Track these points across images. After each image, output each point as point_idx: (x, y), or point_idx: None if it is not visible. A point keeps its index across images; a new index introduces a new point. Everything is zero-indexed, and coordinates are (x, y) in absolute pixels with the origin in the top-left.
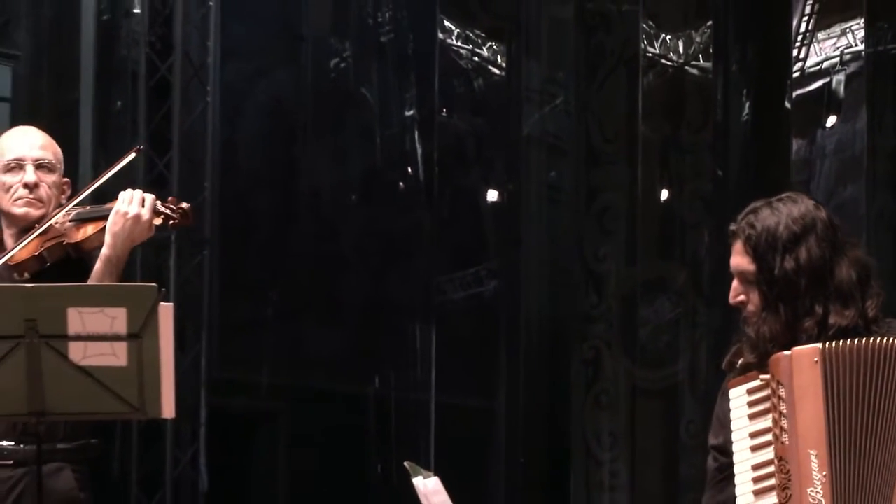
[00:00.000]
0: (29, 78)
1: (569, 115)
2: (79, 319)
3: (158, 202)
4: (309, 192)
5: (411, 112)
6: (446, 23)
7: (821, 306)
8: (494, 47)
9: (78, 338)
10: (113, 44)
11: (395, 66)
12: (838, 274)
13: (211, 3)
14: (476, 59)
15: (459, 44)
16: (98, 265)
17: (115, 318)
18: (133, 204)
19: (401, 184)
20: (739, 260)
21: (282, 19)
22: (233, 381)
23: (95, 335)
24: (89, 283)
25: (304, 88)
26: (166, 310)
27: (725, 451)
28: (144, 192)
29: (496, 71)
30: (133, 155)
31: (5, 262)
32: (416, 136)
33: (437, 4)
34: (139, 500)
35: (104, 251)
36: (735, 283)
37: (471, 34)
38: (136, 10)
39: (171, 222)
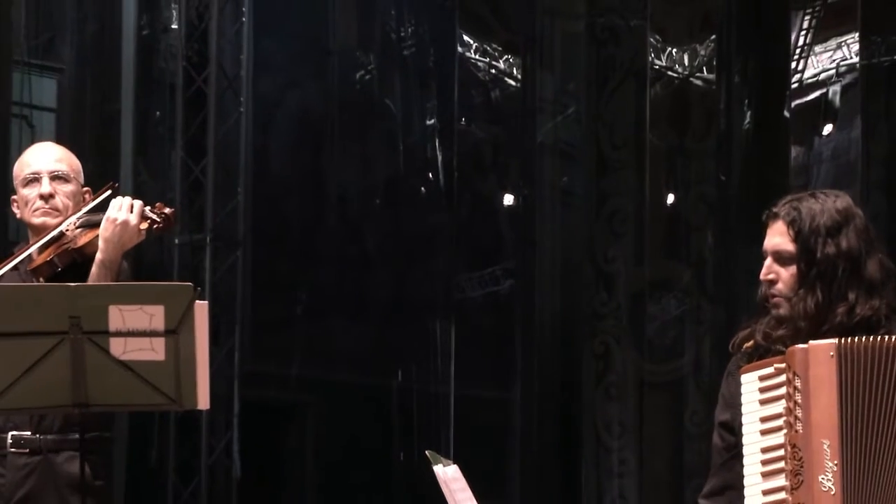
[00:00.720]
0: (73, 90)
1: (580, 124)
2: (119, 316)
3: (147, 208)
4: (336, 196)
5: (432, 121)
6: (465, 37)
7: (853, 293)
8: (510, 60)
9: (118, 334)
10: (152, 57)
11: (416, 78)
12: (870, 267)
13: (244, 19)
14: (493, 71)
15: (477, 57)
16: (94, 269)
17: (154, 315)
18: (122, 210)
19: (422, 189)
20: (779, 240)
21: (310, 34)
22: (264, 374)
23: (135, 331)
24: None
25: (331, 99)
26: (201, 307)
27: (732, 428)
28: (134, 198)
29: (512, 82)
30: (109, 192)
31: (27, 268)
32: (437, 144)
33: (456, 20)
34: (176, 487)
35: (98, 255)
36: (769, 261)
37: (488, 48)
38: (174, 26)
39: (156, 226)
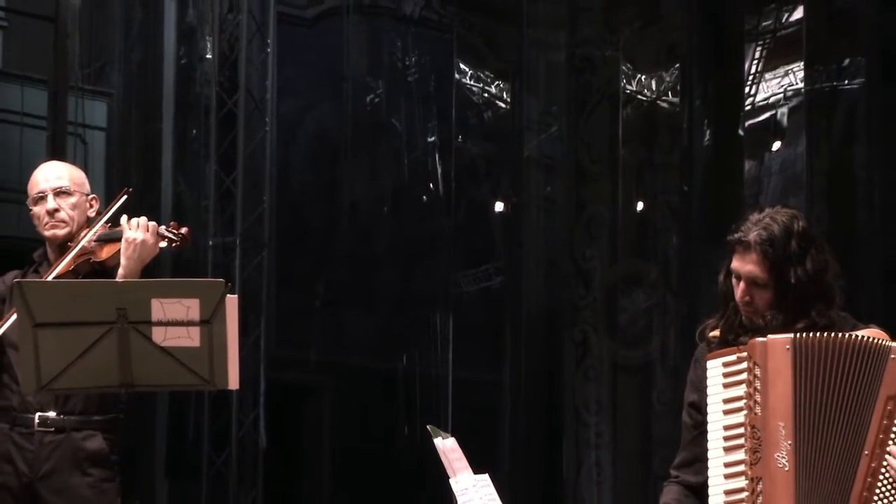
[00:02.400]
0: (121, 111)
1: (561, 141)
2: (160, 308)
3: (162, 227)
4: (349, 204)
5: (433, 138)
6: (461, 65)
7: (815, 309)
8: (501, 85)
9: (160, 323)
10: (189, 83)
11: (419, 100)
12: (828, 279)
13: (269, 50)
14: (485, 95)
15: (472, 83)
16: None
17: (190, 307)
18: (139, 231)
19: (424, 197)
20: (753, 268)
21: (327, 63)
22: (286, 359)
23: (174, 321)
24: None
25: (344, 119)
26: (232, 300)
27: (700, 408)
28: (150, 218)
29: (502, 105)
30: (125, 197)
31: (52, 275)
32: (437, 158)
33: (453, 50)
34: (210, 456)
35: (120, 271)
36: (744, 286)
37: (481, 74)
38: (209, 56)
39: (173, 245)
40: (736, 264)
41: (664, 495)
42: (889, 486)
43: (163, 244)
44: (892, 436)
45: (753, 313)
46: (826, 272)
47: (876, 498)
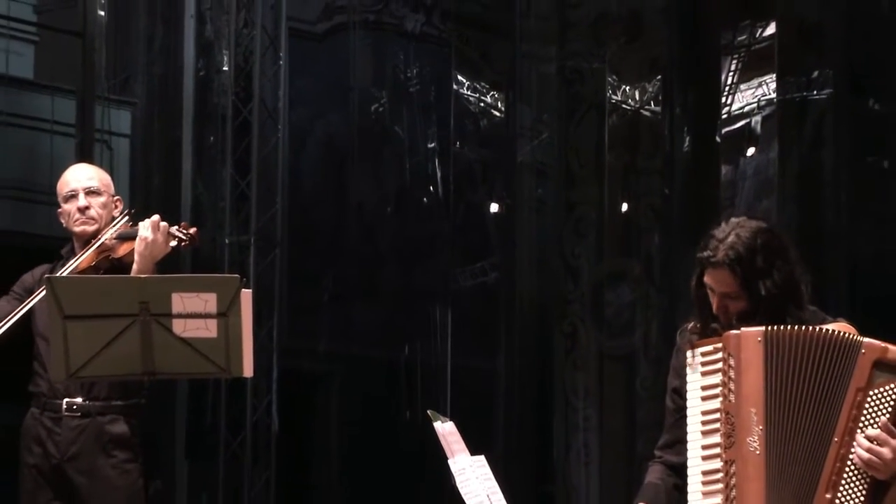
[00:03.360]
0: (144, 120)
1: (552, 147)
2: (180, 302)
3: (173, 228)
4: (355, 205)
5: (433, 144)
6: (459, 77)
7: (791, 316)
8: (496, 95)
9: (179, 316)
10: (207, 94)
11: (420, 109)
12: (798, 283)
13: (281, 63)
14: (482, 104)
15: (469, 93)
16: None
17: (208, 301)
18: (151, 230)
19: (424, 199)
20: (725, 285)
21: (334, 75)
22: (297, 349)
23: (193, 314)
24: None
25: (351, 127)
26: (247, 295)
27: (681, 393)
28: (163, 218)
29: (497, 113)
30: (126, 217)
31: (74, 269)
32: (437, 163)
33: (452, 63)
34: (226, 439)
35: (135, 266)
36: (718, 299)
37: (478, 85)
38: (225, 68)
39: (182, 244)
40: (708, 279)
41: (648, 474)
42: (856, 472)
43: (173, 243)
44: (860, 425)
45: (729, 321)
46: (793, 278)
47: (843, 482)
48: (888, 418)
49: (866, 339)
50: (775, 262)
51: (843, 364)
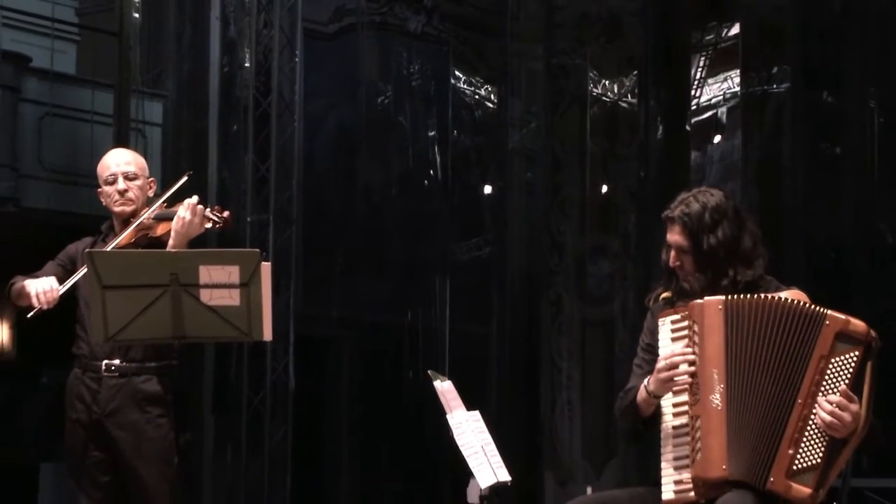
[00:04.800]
0: (174, 111)
1: (540, 135)
2: (207, 273)
3: (207, 210)
4: (363, 187)
5: (432, 133)
6: (456, 72)
7: (732, 270)
8: (489, 89)
9: (206, 286)
10: (230, 87)
11: (421, 101)
12: (743, 244)
13: (297, 59)
14: (476, 96)
15: (465, 87)
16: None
17: (232, 273)
18: (189, 211)
19: (426, 181)
20: (678, 238)
21: (344, 71)
22: (311, 316)
23: (218, 284)
24: None
25: (359, 117)
26: (266, 267)
27: (653, 350)
28: (200, 202)
29: (490, 105)
30: (185, 178)
31: (115, 246)
32: (436, 150)
33: (450, 60)
34: (248, 396)
35: (170, 243)
36: (673, 253)
37: (473, 80)
38: (247, 65)
39: (216, 226)
40: (667, 236)
41: (625, 396)
42: (816, 431)
43: (207, 225)
44: (822, 390)
45: (684, 276)
46: (740, 239)
47: (805, 440)
48: (847, 384)
49: (830, 312)
50: (721, 222)
51: (808, 333)
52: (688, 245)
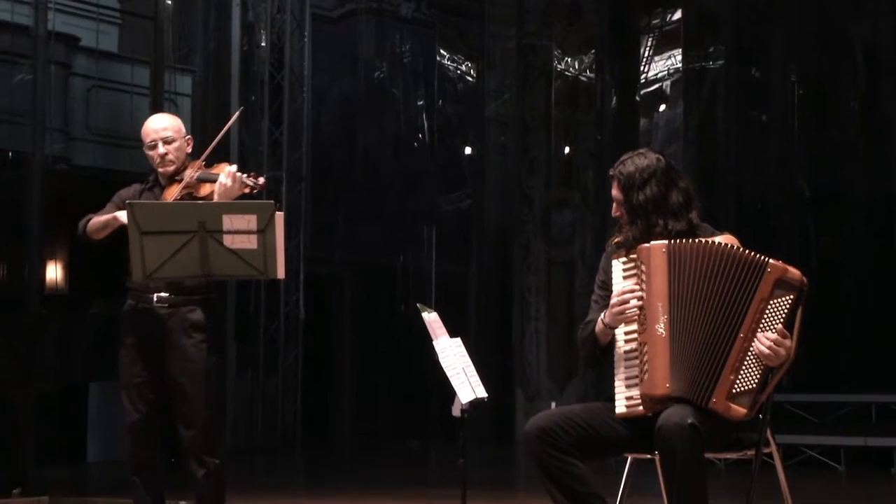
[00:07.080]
0: (201, 84)
1: (512, 105)
2: (229, 221)
3: (244, 177)
4: (363, 149)
5: (421, 102)
6: (441, 51)
7: (662, 220)
8: (469, 65)
9: (229, 232)
10: (249, 63)
11: (412, 76)
12: (672, 199)
13: (305, 40)
14: (458, 71)
15: (449, 63)
16: None
17: (250, 220)
18: (229, 178)
19: (415, 144)
20: (616, 193)
21: (346, 49)
22: (318, 258)
23: (239, 230)
24: None
25: (359, 89)
26: (279, 216)
27: (607, 286)
28: (239, 169)
29: (470, 79)
30: (237, 113)
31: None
32: (424, 117)
33: (436, 40)
34: (265, 325)
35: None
36: (615, 206)
37: (455, 57)
38: (263, 44)
39: (253, 191)
40: (612, 193)
41: (585, 328)
42: (754, 360)
43: (245, 190)
44: (761, 326)
45: (622, 226)
46: (668, 196)
47: (744, 367)
48: (783, 323)
49: (771, 260)
50: (651, 181)
51: (751, 278)
52: (622, 199)
